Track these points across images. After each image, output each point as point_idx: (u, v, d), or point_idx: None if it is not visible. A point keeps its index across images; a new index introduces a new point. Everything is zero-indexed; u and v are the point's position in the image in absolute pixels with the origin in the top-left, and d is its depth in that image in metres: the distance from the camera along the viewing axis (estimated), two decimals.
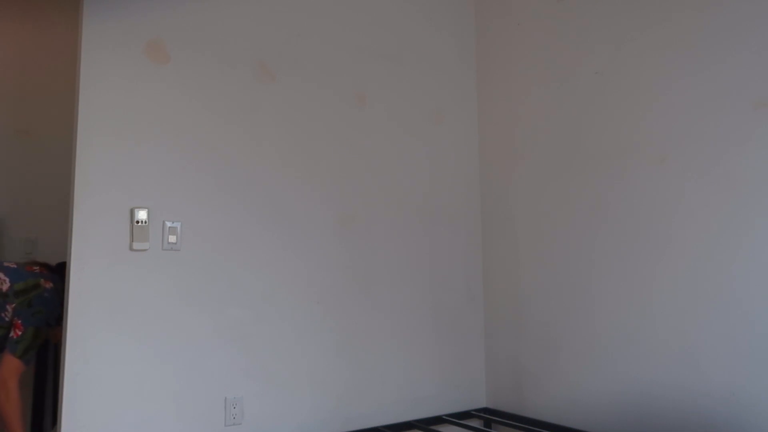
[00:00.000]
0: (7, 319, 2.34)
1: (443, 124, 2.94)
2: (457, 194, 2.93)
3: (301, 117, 2.52)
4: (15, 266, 2.46)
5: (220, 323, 2.26)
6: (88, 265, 2.04)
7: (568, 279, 2.56)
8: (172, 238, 2.18)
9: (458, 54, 3.03)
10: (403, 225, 2.75)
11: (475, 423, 2.79)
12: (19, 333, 2.32)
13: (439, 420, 2.69)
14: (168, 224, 2.18)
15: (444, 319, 2.82)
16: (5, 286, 2.36)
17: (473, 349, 2.89)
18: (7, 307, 2.34)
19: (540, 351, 2.65)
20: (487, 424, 2.76)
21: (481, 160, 3.01)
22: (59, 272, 2.52)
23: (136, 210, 2.12)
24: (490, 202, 2.95)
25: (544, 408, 2.61)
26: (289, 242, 2.44)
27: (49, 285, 2.44)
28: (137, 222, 2.11)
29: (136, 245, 2.11)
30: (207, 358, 2.22)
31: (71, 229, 2.05)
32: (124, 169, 2.13)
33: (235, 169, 2.35)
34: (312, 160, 2.54)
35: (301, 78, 2.54)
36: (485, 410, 2.82)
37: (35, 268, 2.49)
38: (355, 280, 2.59)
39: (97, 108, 2.10)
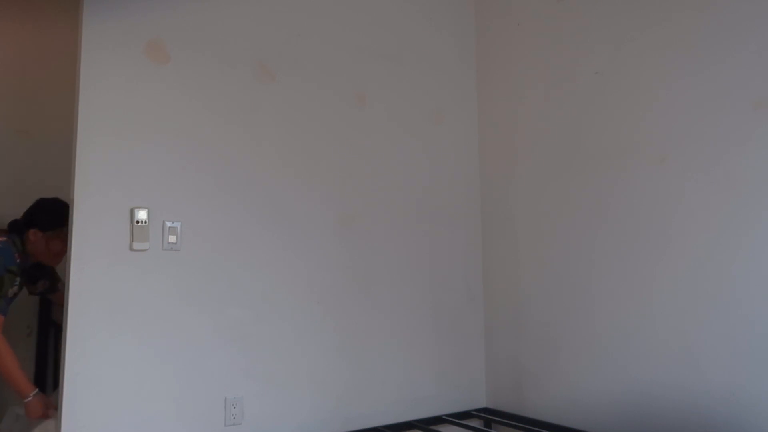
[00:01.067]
0: None
1: (443, 124, 2.93)
2: (457, 194, 2.93)
3: (301, 117, 2.52)
4: None
5: (220, 323, 2.26)
6: (88, 265, 2.04)
7: (568, 279, 2.56)
8: (172, 238, 2.18)
9: (458, 54, 3.03)
10: (403, 225, 2.75)
11: (475, 423, 2.79)
12: None
13: (439, 420, 2.68)
14: (168, 224, 2.18)
15: (444, 319, 2.82)
16: None
17: (473, 349, 2.89)
18: None
19: (540, 351, 2.65)
20: (487, 424, 2.75)
21: (481, 160, 3.01)
22: (12, 229, 2.58)
23: (136, 210, 2.12)
24: (490, 202, 2.94)
25: (544, 408, 2.61)
26: (289, 242, 2.44)
27: (1, 238, 2.47)
28: (137, 222, 2.11)
29: (136, 245, 2.11)
30: (207, 358, 2.22)
31: (71, 229, 2.05)
32: (124, 169, 2.13)
33: (235, 169, 2.35)
34: (312, 160, 2.53)
35: (301, 78, 2.54)
36: (485, 410, 2.82)
37: None
38: (355, 280, 2.59)
39: (97, 108, 2.10)
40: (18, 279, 2.45)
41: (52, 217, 2.54)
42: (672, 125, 2.24)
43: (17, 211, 2.64)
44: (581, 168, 2.54)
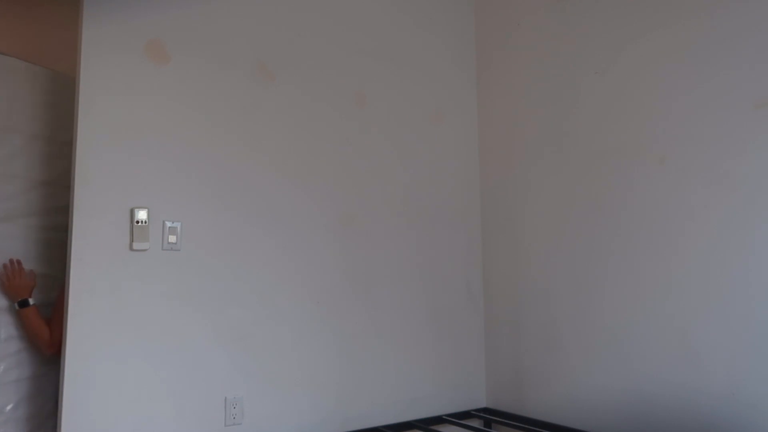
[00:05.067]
0: None
1: (443, 124, 2.94)
2: (457, 194, 2.93)
3: (301, 117, 2.52)
4: None
5: (220, 323, 2.26)
6: (88, 265, 2.04)
7: (568, 279, 2.56)
8: (172, 238, 2.18)
9: (458, 54, 3.03)
10: (403, 225, 2.75)
11: (475, 423, 2.79)
12: None
13: (439, 420, 2.69)
14: (168, 224, 2.18)
15: (444, 319, 2.82)
16: None
17: (473, 349, 2.89)
18: None
19: (540, 351, 2.65)
20: (487, 424, 2.76)
21: (481, 160, 3.01)
22: None
23: (136, 210, 2.12)
24: (490, 202, 2.94)
25: (544, 408, 2.61)
26: (289, 242, 2.44)
27: None
28: (137, 222, 2.11)
29: (136, 245, 2.11)
30: (207, 358, 2.22)
31: (71, 229, 2.05)
32: (124, 169, 2.13)
33: (235, 169, 2.35)
34: (312, 160, 2.54)
35: (301, 78, 2.54)
36: (485, 410, 2.82)
37: None
38: (355, 280, 2.59)
39: (97, 108, 2.10)
40: None
41: None
42: (672, 125, 2.24)
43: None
44: (581, 168, 2.54)
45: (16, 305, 2.34)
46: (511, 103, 2.88)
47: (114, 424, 2.04)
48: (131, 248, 2.11)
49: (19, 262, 2.38)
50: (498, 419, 2.71)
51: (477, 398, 2.87)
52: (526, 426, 2.51)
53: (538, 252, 2.70)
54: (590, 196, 2.50)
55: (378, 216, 2.68)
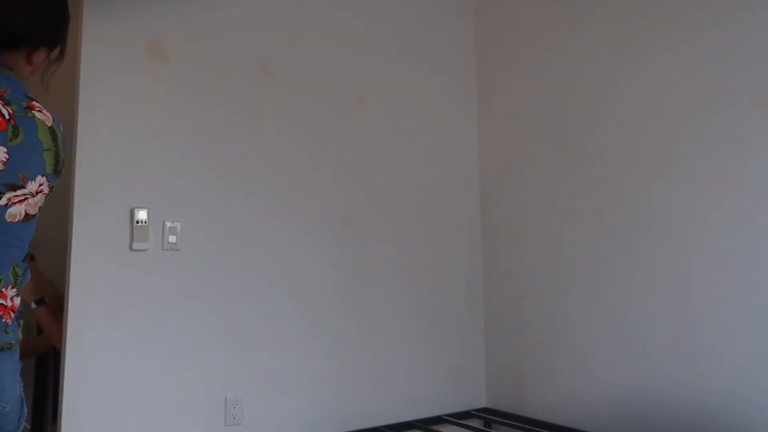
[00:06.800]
0: None
1: (443, 124, 2.94)
2: (457, 194, 2.93)
3: (301, 117, 2.52)
4: None
5: (220, 323, 2.26)
6: (88, 265, 2.04)
7: (568, 279, 2.56)
8: (172, 238, 2.18)
9: (458, 54, 3.03)
10: (403, 225, 2.75)
11: (475, 423, 2.79)
12: None
13: (439, 420, 2.68)
14: (168, 224, 2.18)
15: (444, 319, 2.82)
16: None
17: (473, 349, 2.89)
18: None
19: (540, 351, 2.65)
20: (487, 424, 2.75)
21: (481, 160, 3.01)
22: None
23: (136, 210, 2.12)
24: (490, 202, 2.94)
25: (544, 408, 2.61)
26: (290, 242, 2.44)
27: None
28: (137, 222, 2.11)
29: (136, 245, 2.11)
30: (207, 358, 2.22)
31: (71, 229, 2.05)
32: (124, 169, 2.13)
33: (235, 170, 2.34)
34: (312, 160, 2.53)
35: (301, 77, 2.54)
36: (485, 410, 2.82)
37: None
38: (355, 280, 2.59)
39: (97, 108, 2.10)
40: None
41: None
42: (671, 125, 2.24)
43: None
44: (581, 168, 2.54)
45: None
46: (511, 103, 2.87)
47: (114, 424, 2.03)
48: (131, 248, 2.11)
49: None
50: (498, 419, 2.71)
51: (477, 398, 2.87)
52: (526, 426, 2.51)
53: (538, 252, 2.69)
54: (590, 196, 2.50)
55: (378, 215, 2.68)
